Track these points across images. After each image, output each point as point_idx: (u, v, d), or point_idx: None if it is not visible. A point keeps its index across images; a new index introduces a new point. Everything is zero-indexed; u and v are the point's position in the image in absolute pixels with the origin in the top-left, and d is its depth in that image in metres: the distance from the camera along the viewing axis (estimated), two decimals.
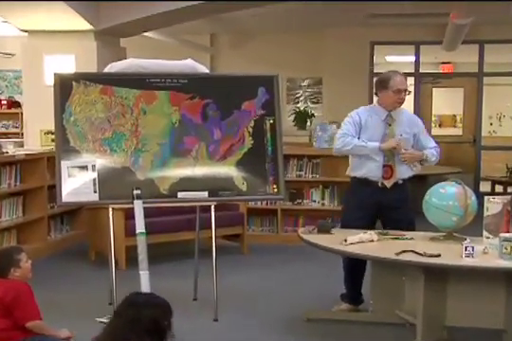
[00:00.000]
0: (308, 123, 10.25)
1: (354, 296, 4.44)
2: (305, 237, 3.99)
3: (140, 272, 3.73)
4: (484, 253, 3.48)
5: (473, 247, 3.40)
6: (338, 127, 4.63)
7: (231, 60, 10.36)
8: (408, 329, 3.90)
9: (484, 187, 9.81)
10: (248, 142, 4.25)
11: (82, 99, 4.06)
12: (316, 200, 6.76)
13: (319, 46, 10.07)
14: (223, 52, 10.65)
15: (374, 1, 7.53)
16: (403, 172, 4.28)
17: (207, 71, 4.70)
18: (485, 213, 3.69)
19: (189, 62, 4.48)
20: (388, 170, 4.24)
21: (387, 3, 7.56)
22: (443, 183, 3.92)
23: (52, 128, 4.16)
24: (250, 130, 4.26)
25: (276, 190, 4.26)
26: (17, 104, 9.92)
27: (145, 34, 8.16)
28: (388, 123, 4.27)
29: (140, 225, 3.85)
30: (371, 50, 9.93)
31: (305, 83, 10.64)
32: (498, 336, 3.66)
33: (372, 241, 3.80)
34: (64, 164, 3.97)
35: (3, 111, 9.97)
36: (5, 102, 10.03)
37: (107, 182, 3.99)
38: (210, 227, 4.32)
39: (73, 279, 5.34)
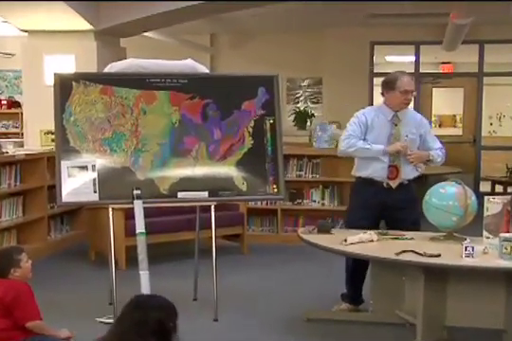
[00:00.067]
0: (308, 123, 10.25)
1: (354, 296, 4.44)
2: (305, 237, 3.99)
3: (140, 272, 3.74)
4: (484, 253, 3.48)
5: (473, 247, 3.40)
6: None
7: (231, 60, 10.36)
8: (408, 329, 3.90)
9: (484, 187, 9.81)
10: (248, 142, 4.25)
11: (82, 99, 4.06)
12: (316, 200, 6.76)
13: (319, 46, 10.07)
14: (223, 52, 10.65)
15: (374, 1, 7.53)
16: (408, 173, 4.27)
17: (207, 71, 4.70)
18: (485, 213, 3.68)
19: (189, 62, 4.48)
20: (393, 170, 4.24)
21: (387, 3, 7.56)
22: (443, 183, 3.92)
23: (52, 128, 4.16)
24: (250, 130, 4.26)
25: (276, 190, 4.26)
26: (17, 104, 9.92)
27: (145, 34, 8.16)
28: (394, 123, 4.26)
29: (140, 225, 3.85)
30: (371, 50, 9.93)
31: (305, 83, 10.64)
32: (498, 336, 3.66)
33: (371, 241, 3.80)
34: (64, 164, 3.97)
35: (3, 111, 9.97)
36: (5, 102, 10.02)
37: (107, 182, 3.99)
38: (210, 227, 4.32)
39: (73, 279, 5.34)
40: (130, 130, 4.08)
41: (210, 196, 4.15)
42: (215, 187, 4.17)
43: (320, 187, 6.73)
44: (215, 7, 6.72)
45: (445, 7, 7.40)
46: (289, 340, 3.98)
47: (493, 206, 3.65)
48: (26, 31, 7.10)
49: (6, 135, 9.36)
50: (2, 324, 3.14)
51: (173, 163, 4.13)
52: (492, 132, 12.75)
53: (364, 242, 3.77)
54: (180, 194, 4.10)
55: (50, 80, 4.29)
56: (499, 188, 9.64)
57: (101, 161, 4.01)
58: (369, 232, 3.86)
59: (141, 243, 3.81)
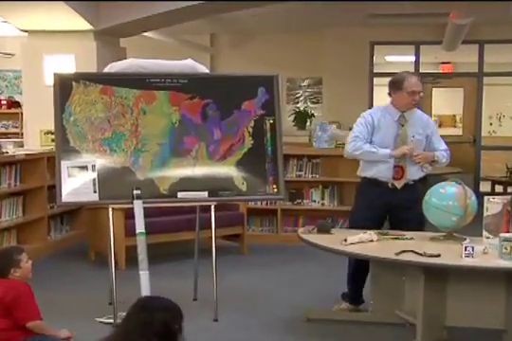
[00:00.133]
0: (308, 123, 10.26)
1: (355, 296, 4.44)
2: (305, 237, 3.99)
3: (140, 272, 3.74)
4: (484, 253, 3.48)
5: (473, 247, 3.40)
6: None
7: (231, 60, 10.36)
8: (408, 329, 3.90)
9: (484, 187, 9.81)
10: (248, 142, 4.25)
11: (82, 99, 4.06)
12: (316, 200, 6.76)
13: (318, 46, 10.07)
14: (223, 52, 10.65)
15: (374, 1, 7.53)
16: (414, 173, 4.27)
17: (207, 71, 4.70)
18: (485, 213, 3.69)
19: (189, 62, 4.48)
20: (399, 170, 4.23)
21: (387, 3, 7.56)
22: (443, 183, 3.92)
23: (52, 128, 4.16)
24: (250, 130, 4.26)
25: (276, 190, 4.26)
26: (17, 104, 9.91)
27: (145, 34, 8.16)
28: (401, 124, 4.25)
29: (140, 225, 3.85)
30: (371, 50, 9.93)
31: (305, 83, 10.64)
32: (498, 336, 3.66)
33: (371, 241, 3.80)
34: (64, 164, 3.97)
35: (3, 111, 9.97)
36: (5, 102, 10.02)
37: (107, 182, 3.99)
38: (210, 227, 4.32)
39: (73, 279, 5.34)
40: (130, 130, 4.08)
41: (209, 196, 4.15)
42: (215, 187, 4.17)
43: (320, 187, 6.73)
44: (215, 7, 6.72)
45: (445, 7, 7.40)
46: (289, 340, 3.99)
47: (493, 206, 3.65)
48: (26, 31, 7.10)
49: (6, 135, 9.36)
50: (2, 324, 3.14)
51: (173, 163, 4.13)
52: (492, 132, 12.76)
53: (364, 242, 3.77)
54: (180, 194, 4.10)
55: (50, 80, 4.28)
56: (499, 188, 9.64)
57: (101, 161, 4.01)
58: (369, 232, 3.86)
59: (141, 243, 3.81)
